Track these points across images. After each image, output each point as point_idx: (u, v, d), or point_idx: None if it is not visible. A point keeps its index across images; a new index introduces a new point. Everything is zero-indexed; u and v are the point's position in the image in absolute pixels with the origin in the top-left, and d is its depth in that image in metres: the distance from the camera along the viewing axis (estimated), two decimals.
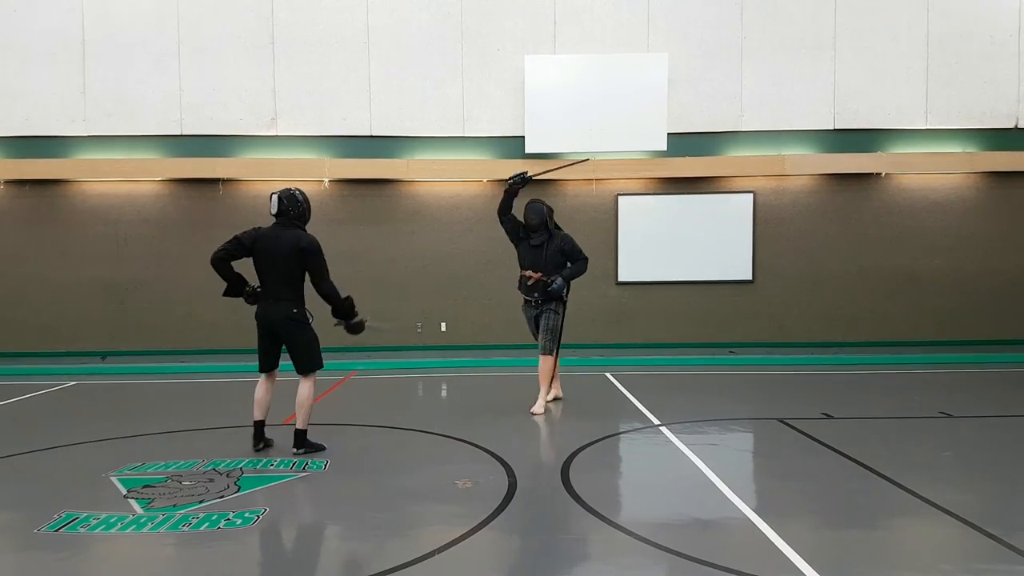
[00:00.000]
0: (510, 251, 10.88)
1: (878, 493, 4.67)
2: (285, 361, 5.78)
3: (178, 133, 10.66)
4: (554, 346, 7.17)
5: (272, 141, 10.71)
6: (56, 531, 4.04)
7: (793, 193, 10.84)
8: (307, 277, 5.59)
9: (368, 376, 9.71)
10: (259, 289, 5.57)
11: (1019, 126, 10.73)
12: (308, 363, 5.59)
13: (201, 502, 4.50)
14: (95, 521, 4.18)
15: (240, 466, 5.30)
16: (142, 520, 4.21)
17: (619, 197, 10.78)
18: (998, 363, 10.26)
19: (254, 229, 5.60)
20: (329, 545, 4.04)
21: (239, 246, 5.49)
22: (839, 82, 10.68)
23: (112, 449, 5.94)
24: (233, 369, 10.34)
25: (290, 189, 5.68)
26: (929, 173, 10.75)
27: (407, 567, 3.56)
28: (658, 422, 6.71)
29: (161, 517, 4.24)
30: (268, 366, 5.72)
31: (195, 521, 4.17)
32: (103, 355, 10.75)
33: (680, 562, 3.65)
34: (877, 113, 10.72)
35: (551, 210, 7.35)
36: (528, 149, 10.44)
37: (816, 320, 10.82)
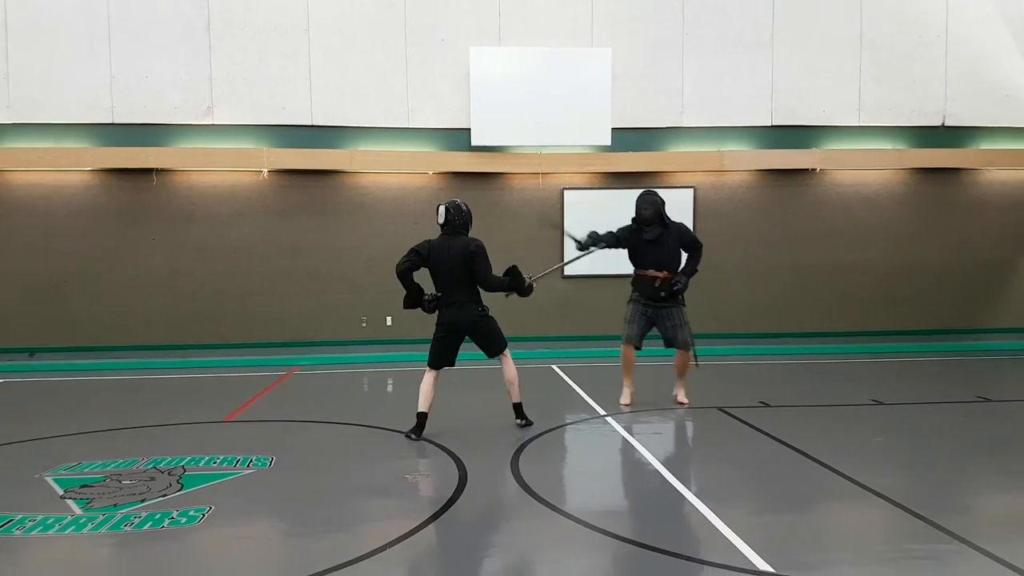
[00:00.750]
0: None
1: (814, 478, 4.85)
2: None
3: (109, 121, 10.27)
4: (692, 341, 6.89)
5: (208, 130, 10.42)
6: None
7: (732, 188, 11.09)
8: None
9: (311, 372, 9.59)
10: (439, 296, 5.95)
11: (945, 124, 11.18)
12: (500, 345, 6.14)
13: (143, 501, 4.39)
14: (31, 523, 4.04)
15: (182, 464, 5.18)
16: (81, 521, 4.09)
17: (565, 191, 10.85)
18: (925, 352, 10.71)
19: (427, 241, 5.96)
20: (276, 542, 3.99)
21: (417, 257, 5.86)
22: (776, 80, 10.95)
23: (45, 449, 5.73)
24: (170, 365, 10.07)
25: (455, 200, 6.07)
26: (861, 169, 11.12)
27: (355, 563, 3.54)
28: (604, 412, 6.81)
29: (101, 517, 4.12)
30: (445, 363, 6.07)
31: (137, 521, 4.07)
32: (31, 351, 10.33)
33: (626, 547, 3.73)
34: (812, 110, 11.03)
35: (663, 201, 6.92)
36: (474, 142, 10.41)
37: (753, 311, 11.10)
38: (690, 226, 10.92)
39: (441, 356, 6.04)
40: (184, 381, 9.02)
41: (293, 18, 10.44)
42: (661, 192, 10.81)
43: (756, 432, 6.07)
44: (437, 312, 6.00)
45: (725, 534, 3.85)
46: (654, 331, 6.91)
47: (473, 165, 10.58)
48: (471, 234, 6.09)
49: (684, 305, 6.86)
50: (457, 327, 5.97)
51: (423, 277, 5.89)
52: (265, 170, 10.44)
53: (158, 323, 10.43)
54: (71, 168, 10.27)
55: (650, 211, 6.74)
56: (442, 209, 5.99)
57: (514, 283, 6.00)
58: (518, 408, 6.23)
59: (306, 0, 10.43)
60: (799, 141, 11.01)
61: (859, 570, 3.46)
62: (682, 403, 7.04)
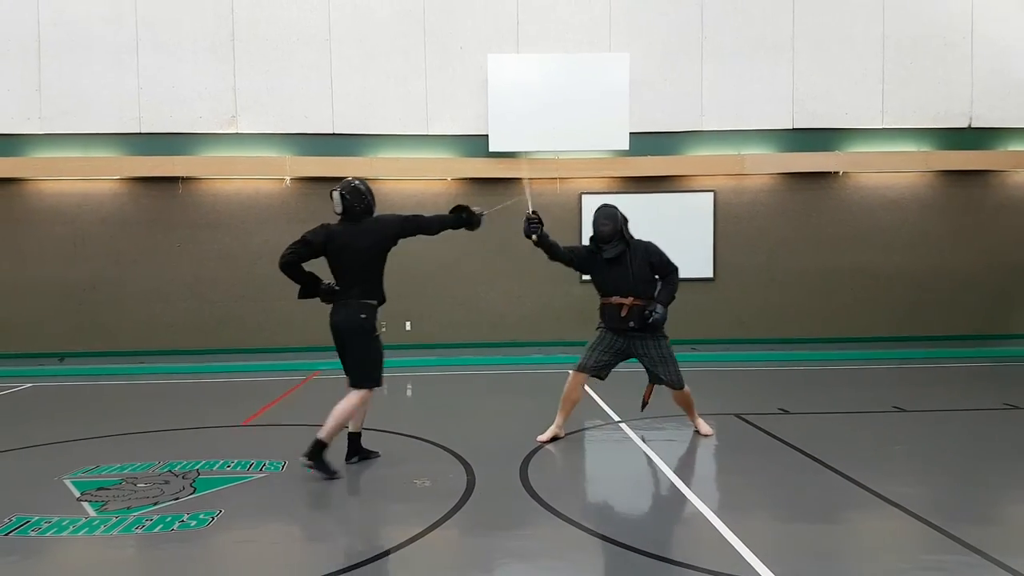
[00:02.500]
0: (475, 250, 10.97)
1: (829, 487, 4.77)
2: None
3: (136, 131, 10.49)
4: (679, 377, 5.88)
5: (233, 139, 10.60)
6: (5, 535, 3.98)
7: (752, 192, 11.00)
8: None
9: (331, 376, 9.66)
10: (336, 289, 5.13)
11: (972, 126, 10.99)
12: (365, 378, 5.11)
13: (156, 504, 4.46)
14: (46, 524, 4.13)
15: (197, 468, 5.25)
16: (95, 523, 4.16)
17: (583, 196, 10.84)
18: (950, 358, 10.51)
19: (323, 227, 5.13)
20: (284, 546, 4.03)
21: (306, 247, 5.04)
22: (797, 83, 10.85)
23: (67, 452, 5.85)
24: (192, 370, 10.23)
25: (350, 181, 5.18)
26: (885, 172, 10.97)
27: (361, 566, 3.56)
28: (618, 419, 6.78)
29: (114, 520, 4.19)
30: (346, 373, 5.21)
31: (149, 523, 4.13)
32: (61, 356, 10.56)
33: (634, 557, 3.70)
34: (834, 113, 10.91)
35: (625, 217, 5.92)
36: (492, 148, 10.45)
37: (775, 317, 10.99)
38: (710, 231, 10.99)
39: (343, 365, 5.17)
40: (205, 386, 9.15)
41: (315, 29, 10.58)
42: (681, 196, 10.95)
43: (773, 439, 5.99)
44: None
45: (733, 543, 3.81)
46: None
47: (491, 171, 10.63)
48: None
49: (665, 336, 5.85)
50: (337, 330, 5.06)
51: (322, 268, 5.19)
52: (288, 178, 10.58)
53: (182, 328, 10.61)
54: (100, 177, 10.50)
55: (608, 226, 5.75)
56: (336, 196, 5.07)
57: (461, 215, 5.20)
58: (319, 446, 4.92)
59: (327, 11, 10.57)
60: (821, 144, 10.90)
61: None
62: (708, 434, 6.16)
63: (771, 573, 3.44)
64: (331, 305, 5.13)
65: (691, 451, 5.94)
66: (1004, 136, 11.00)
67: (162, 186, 10.56)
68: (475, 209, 5.27)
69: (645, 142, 10.69)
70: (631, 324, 5.70)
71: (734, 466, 5.40)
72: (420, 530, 4.01)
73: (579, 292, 10.73)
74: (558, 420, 6.03)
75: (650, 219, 10.82)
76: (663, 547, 3.80)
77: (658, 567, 3.57)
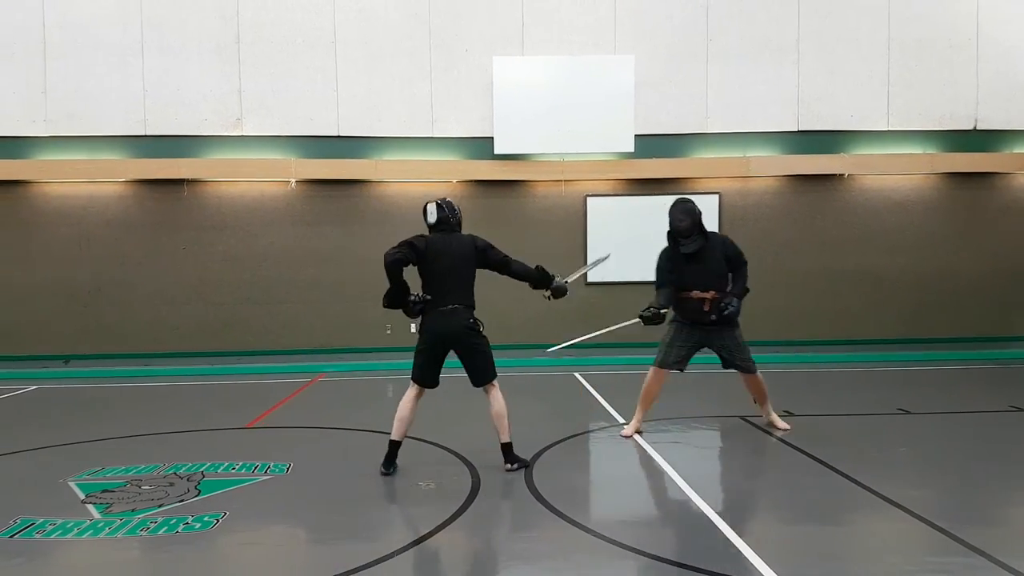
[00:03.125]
0: None
1: (834, 489, 4.76)
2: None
3: (142, 133, 10.51)
4: (753, 363, 6.15)
5: (238, 141, 10.62)
6: (10, 537, 3.99)
7: (758, 194, 10.98)
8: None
9: (336, 379, 9.68)
10: (427, 298, 5.21)
11: (977, 128, 10.96)
12: (489, 373, 5.30)
13: (160, 506, 4.47)
14: (51, 527, 4.14)
15: (201, 470, 5.26)
16: (99, 525, 4.17)
17: (588, 198, 10.84)
18: (956, 360, 10.47)
19: (423, 235, 5.29)
20: (287, 548, 4.03)
21: (411, 250, 5.15)
22: (802, 84, 10.83)
23: (72, 454, 5.87)
24: (197, 372, 10.25)
25: (445, 198, 5.47)
26: (890, 174, 10.94)
27: (367, 568, 3.56)
28: (623, 421, 6.76)
29: (119, 522, 4.20)
30: (428, 381, 5.37)
31: (153, 526, 4.14)
32: (66, 359, 10.58)
33: (638, 559, 3.70)
34: (839, 115, 10.89)
35: (700, 211, 5.95)
36: (497, 150, 10.45)
37: (779, 319, 10.96)
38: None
39: (424, 370, 5.26)
40: (211, 388, 9.17)
41: (320, 31, 10.60)
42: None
43: (777, 442, 5.98)
44: (420, 318, 5.25)
45: (738, 546, 3.80)
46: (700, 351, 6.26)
47: (496, 173, 10.64)
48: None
49: (738, 326, 6.10)
50: (443, 337, 5.16)
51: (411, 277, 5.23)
52: (293, 180, 10.60)
53: (187, 331, 10.63)
54: (105, 179, 10.52)
55: (687, 221, 5.78)
56: (432, 207, 5.29)
57: (544, 276, 5.45)
58: (507, 449, 5.24)
59: (332, 13, 10.59)
60: (826, 146, 10.88)
61: None
62: (785, 428, 6.25)
63: (774, 575, 3.43)
64: (420, 315, 5.24)
65: (696, 453, 5.93)
66: (1010, 138, 10.97)
67: (167, 188, 10.59)
68: (559, 279, 5.55)
69: (650, 144, 10.69)
70: (713, 318, 5.86)
71: (739, 468, 5.40)
72: (425, 532, 4.01)
73: (584, 294, 10.73)
74: (638, 415, 6.23)
75: (655, 221, 10.82)
76: (668, 550, 3.79)
77: (663, 570, 3.56)
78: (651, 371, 6.17)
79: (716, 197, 10.89)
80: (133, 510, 4.40)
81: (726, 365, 6.15)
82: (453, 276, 5.19)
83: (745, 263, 6.03)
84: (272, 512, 4.46)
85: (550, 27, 10.70)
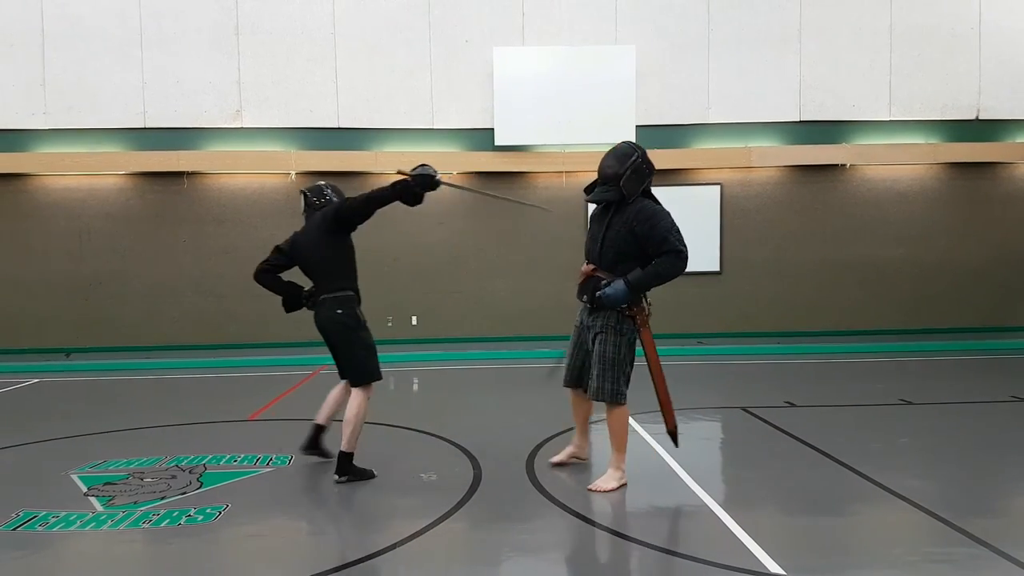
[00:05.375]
0: (481, 244, 10.96)
1: (835, 480, 4.76)
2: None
3: (141, 126, 10.49)
4: (612, 388, 4.48)
5: (237, 133, 10.59)
6: (13, 530, 3.99)
7: (759, 185, 10.96)
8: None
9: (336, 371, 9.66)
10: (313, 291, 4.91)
11: (980, 118, 10.92)
12: (360, 373, 4.85)
13: (163, 499, 4.47)
14: (54, 519, 4.14)
15: (203, 462, 5.26)
16: (102, 517, 4.17)
17: None
18: (959, 351, 10.47)
19: (293, 233, 5.00)
20: (289, 540, 4.03)
21: (279, 254, 4.93)
22: (804, 74, 10.79)
23: (74, 447, 5.87)
24: (198, 365, 10.25)
25: (317, 184, 5.10)
26: (893, 164, 10.91)
27: (368, 560, 3.57)
28: None
29: (121, 514, 4.20)
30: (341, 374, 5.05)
31: (155, 518, 4.14)
32: (67, 352, 10.59)
33: (641, 550, 3.70)
34: (841, 105, 10.85)
35: (650, 166, 4.53)
36: (498, 141, 10.43)
37: (782, 310, 10.96)
38: (717, 224, 10.93)
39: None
40: (212, 380, 9.18)
41: (319, 22, 10.56)
42: (688, 189, 10.90)
43: (779, 432, 5.98)
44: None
45: (739, 536, 3.80)
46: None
47: (497, 165, 10.61)
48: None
49: (619, 330, 4.49)
50: (322, 331, 4.84)
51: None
52: (293, 172, 10.58)
53: (188, 323, 10.63)
54: (105, 172, 10.50)
55: (613, 168, 4.45)
56: (302, 197, 5.01)
57: (399, 184, 4.49)
58: (343, 459, 4.72)
59: (332, 4, 10.54)
60: (828, 136, 10.85)
61: (873, 574, 3.39)
62: (599, 489, 4.57)
63: (777, 566, 3.43)
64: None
65: (697, 445, 5.93)
66: (1012, 128, 10.93)
67: (167, 181, 10.57)
68: (427, 170, 4.47)
69: (652, 135, 10.63)
70: (584, 298, 4.60)
71: (740, 459, 5.40)
72: (426, 524, 4.01)
73: None
74: (576, 434, 5.22)
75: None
76: (669, 540, 3.79)
77: (665, 560, 3.57)
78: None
79: (718, 188, 10.87)
80: (135, 503, 4.40)
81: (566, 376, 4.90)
82: (311, 265, 4.85)
83: (671, 253, 4.33)
84: (274, 504, 4.46)
85: (550, 17, 10.65)
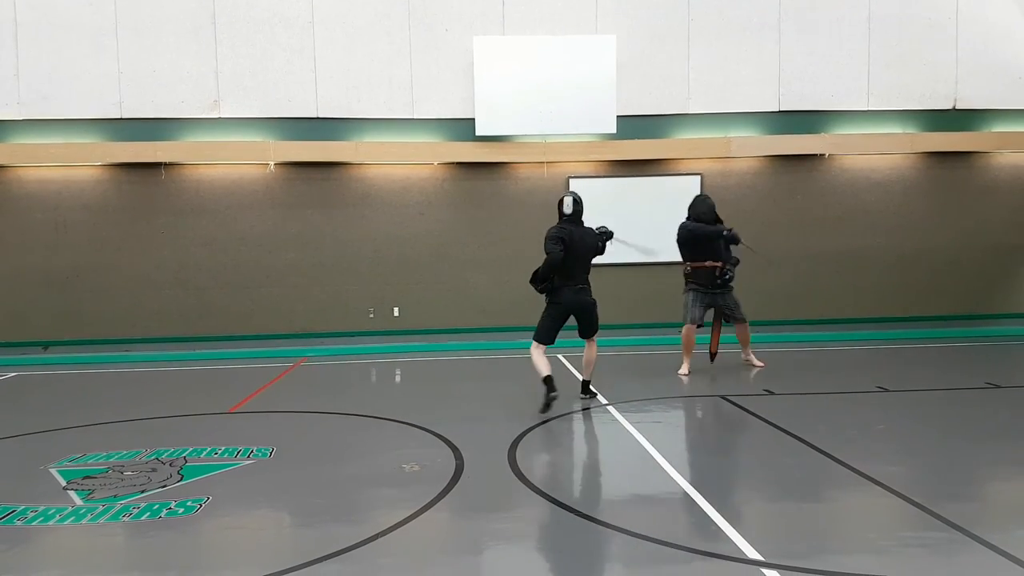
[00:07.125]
0: (462, 235, 10.94)
1: (812, 466, 4.83)
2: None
3: (117, 116, 10.35)
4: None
5: (215, 124, 10.48)
6: None
7: (739, 175, 11.01)
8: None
9: (319, 363, 9.65)
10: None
11: (957, 107, 11.03)
12: (597, 327, 6.80)
13: (143, 492, 4.45)
14: (32, 514, 4.11)
15: (184, 455, 5.24)
16: (81, 511, 4.15)
17: (570, 179, 10.81)
18: (936, 339, 10.61)
19: (560, 227, 6.48)
20: (271, 532, 4.04)
21: (563, 244, 6.35)
22: (783, 64, 10.84)
23: (53, 441, 5.82)
24: (178, 358, 10.18)
25: (576, 193, 6.71)
26: (871, 154, 10.99)
27: (349, 551, 3.58)
28: (606, 401, 6.81)
29: (101, 508, 4.18)
30: (553, 339, 6.60)
31: (136, 511, 4.13)
32: (45, 345, 10.47)
33: (622, 538, 3.73)
34: (820, 95, 10.91)
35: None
36: (479, 132, 10.38)
37: (761, 299, 11.01)
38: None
39: (553, 331, 6.53)
40: (192, 373, 9.12)
41: (297, 10, 10.45)
42: (668, 179, 10.92)
43: (758, 420, 6.04)
44: (551, 292, 6.52)
45: (718, 523, 3.85)
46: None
47: (478, 155, 10.58)
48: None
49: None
50: (575, 307, 6.50)
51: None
52: (271, 163, 10.49)
53: (167, 316, 10.54)
54: (81, 163, 10.36)
55: (712, 215, 8.51)
56: (569, 200, 6.51)
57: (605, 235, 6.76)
58: (586, 385, 6.98)
59: None
60: (807, 126, 10.91)
61: (850, 559, 3.44)
62: (760, 366, 8.43)
63: (756, 552, 3.48)
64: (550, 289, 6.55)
65: (678, 433, 5.99)
66: (989, 118, 11.04)
67: (145, 172, 10.44)
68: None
69: (632, 125, 10.66)
70: (720, 280, 8.06)
71: (720, 447, 5.45)
72: (409, 514, 4.03)
73: None
74: (686, 363, 8.11)
75: (637, 202, 10.87)
76: (650, 528, 3.83)
77: (646, 547, 3.60)
78: (686, 327, 8.20)
79: (698, 178, 10.91)
80: (115, 496, 4.38)
81: (724, 320, 8.45)
82: (582, 263, 6.51)
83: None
84: (256, 496, 4.46)
85: (531, 6, 10.61)
